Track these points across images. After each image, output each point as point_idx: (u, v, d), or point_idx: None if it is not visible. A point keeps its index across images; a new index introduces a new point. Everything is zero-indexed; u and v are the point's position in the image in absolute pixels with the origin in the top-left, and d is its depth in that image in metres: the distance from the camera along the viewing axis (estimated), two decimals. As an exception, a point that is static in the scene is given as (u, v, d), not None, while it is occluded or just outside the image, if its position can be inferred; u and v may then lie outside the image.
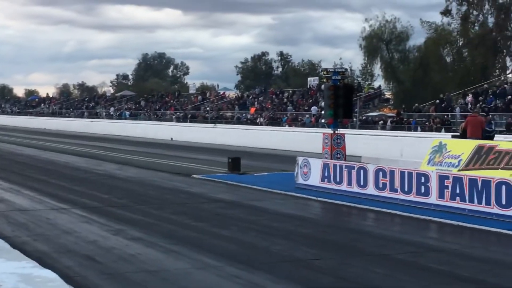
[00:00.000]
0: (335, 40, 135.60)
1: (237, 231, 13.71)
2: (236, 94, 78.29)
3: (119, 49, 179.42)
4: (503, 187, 14.34)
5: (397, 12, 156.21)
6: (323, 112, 23.54)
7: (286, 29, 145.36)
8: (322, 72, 23.81)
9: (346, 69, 65.84)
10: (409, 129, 45.58)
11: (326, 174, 19.35)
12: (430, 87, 65.26)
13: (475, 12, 71.38)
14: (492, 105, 45.31)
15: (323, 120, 25.00)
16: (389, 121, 47.97)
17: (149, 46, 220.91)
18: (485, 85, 52.94)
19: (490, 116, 40.84)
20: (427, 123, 45.89)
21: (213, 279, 9.74)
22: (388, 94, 69.93)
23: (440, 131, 41.54)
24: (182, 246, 12.00)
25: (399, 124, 46.81)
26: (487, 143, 16.76)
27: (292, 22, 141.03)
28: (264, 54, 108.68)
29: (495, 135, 29.96)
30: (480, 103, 45.83)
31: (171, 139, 51.60)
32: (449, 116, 45.33)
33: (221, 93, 77.44)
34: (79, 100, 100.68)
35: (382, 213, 16.04)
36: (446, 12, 71.96)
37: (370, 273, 10.09)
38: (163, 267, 10.39)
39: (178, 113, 65.86)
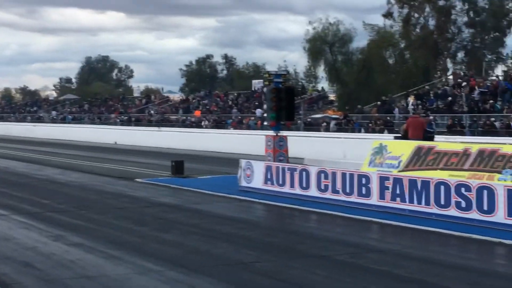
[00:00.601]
0: (279, 42, 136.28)
1: (179, 234, 13.65)
2: (181, 97, 78.04)
3: (62, 53, 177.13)
4: (442, 187, 14.56)
5: (341, 15, 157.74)
6: (265, 115, 23.55)
7: (231, 31, 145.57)
8: (264, 74, 23.86)
9: (288, 72, 66.10)
10: (352, 131, 45.94)
11: (269, 177, 19.39)
12: (373, 89, 65.83)
13: (416, 15, 72.34)
14: (433, 106, 45.93)
15: (265, 123, 25.05)
16: (332, 123, 48.28)
17: (92, 49, 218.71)
18: (427, 87, 53.69)
19: (432, 117, 41.41)
20: (370, 124, 46.30)
21: (153, 284, 9.68)
22: (332, 96, 70.38)
23: (383, 133, 41.96)
24: (123, 251, 11.89)
25: (345, 126, 47.19)
26: (426, 144, 16.99)
27: (237, 24, 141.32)
28: (208, 57, 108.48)
29: (436, 136, 30.42)
30: (424, 104, 46.39)
31: (115, 143, 51.16)
32: (391, 118, 45.81)
33: (166, 96, 77.21)
34: (21, 104, 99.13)
35: (324, 214, 16.14)
36: (388, 15, 72.78)
37: (310, 275, 10.13)
38: (103, 273, 10.29)
39: (122, 117, 65.35)
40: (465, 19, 71.72)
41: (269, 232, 14.34)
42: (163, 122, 57.48)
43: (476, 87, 46.06)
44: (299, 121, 50.90)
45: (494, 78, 48.04)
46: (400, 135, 25.50)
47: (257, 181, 19.71)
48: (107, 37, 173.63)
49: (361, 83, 70.24)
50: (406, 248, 12.40)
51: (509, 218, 13.35)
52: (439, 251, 12.29)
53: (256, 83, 63.87)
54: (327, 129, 47.62)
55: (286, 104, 21.55)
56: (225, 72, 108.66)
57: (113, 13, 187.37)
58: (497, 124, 38.46)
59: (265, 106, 23.23)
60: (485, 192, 13.80)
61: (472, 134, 38.82)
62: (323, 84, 76.15)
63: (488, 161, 14.59)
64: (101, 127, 61.36)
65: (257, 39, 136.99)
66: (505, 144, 18.36)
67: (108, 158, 34.67)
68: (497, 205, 13.57)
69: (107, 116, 69.21)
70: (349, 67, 73.58)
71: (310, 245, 12.55)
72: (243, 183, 20.22)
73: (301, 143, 33.71)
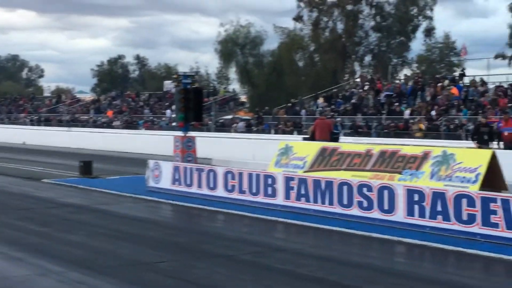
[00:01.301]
0: (191, 44, 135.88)
1: (84, 235, 13.40)
2: (92, 97, 76.96)
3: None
4: (345, 187, 14.78)
5: (252, 17, 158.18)
6: (173, 115, 23.53)
7: (143, 32, 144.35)
8: (173, 75, 23.78)
9: (196, 73, 65.77)
10: (263, 132, 46.16)
11: (176, 177, 19.31)
12: (283, 91, 66.43)
13: (325, 19, 73.31)
14: (341, 108, 46.57)
15: (174, 124, 24.99)
16: (241, 124, 48.52)
17: (2, 48, 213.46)
18: (335, 89, 54.43)
19: (340, 118, 41.99)
20: (279, 126, 46.62)
21: (55, 285, 9.49)
22: (243, 98, 70.62)
23: (292, 134, 42.32)
24: (26, 252, 11.61)
25: (256, 127, 47.44)
26: (330, 145, 17.21)
27: (149, 25, 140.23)
28: (120, 57, 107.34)
29: (342, 137, 30.85)
30: (332, 106, 46.95)
31: (24, 143, 50.07)
32: (300, 119, 46.26)
33: (77, 96, 76.02)
34: None
35: (231, 214, 16.15)
36: (298, 18, 73.53)
37: (214, 274, 10.11)
38: (3, 275, 10.02)
39: (32, 117, 64.03)
40: (372, 23, 73.06)
41: (175, 232, 14.25)
42: (73, 122, 56.60)
43: (382, 90, 46.98)
44: (210, 122, 50.92)
45: (397, 81, 49.13)
46: (308, 136, 25.83)
47: (165, 182, 19.60)
48: (17, 36, 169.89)
49: (272, 85, 70.73)
50: (309, 247, 12.53)
51: (408, 217, 13.65)
52: (342, 250, 12.47)
53: (168, 84, 63.49)
54: (238, 130, 47.75)
55: (194, 105, 21.52)
56: (137, 72, 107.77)
57: (23, 11, 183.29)
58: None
59: (173, 107, 23.15)
60: (386, 192, 14.08)
61: (378, 135, 39.56)
62: (235, 85, 76.38)
63: (389, 162, 14.88)
64: (10, 127, 59.96)
65: (170, 40, 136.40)
66: (406, 145, 18.69)
67: (16, 158, 33.83)
68: (397, 205, 13.86)
69: (16, 116, 67.66)
70: (260, 69, 73.97)
71: (215, 244, 12.52)
72: (151, 184, 20.07)
73: (211, 144, 33.65)
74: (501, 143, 23.43)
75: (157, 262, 10.90)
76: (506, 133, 22.81)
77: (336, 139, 25.54)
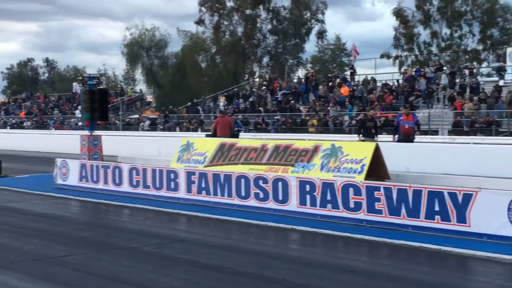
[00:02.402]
0: (99, 47, 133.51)
1: (-9, 233, 12.99)
2: (2, 100, 74.90)
3: None
4: (242, 180, 14.85)
5: (157, 22, 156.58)
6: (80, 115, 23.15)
7: (52, 36, 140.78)
8: (78, 77, 23.41)
9: (104, 75, 64.70)
10: (168, 130, 45.96)
11: (84, 174, 18.97)
12: (187, 91, 66.29)
13: (225, 22, 73.52)
14: (242, 106, 46.77)
15: (80, 123, 24.59)
16: (147, 122, 48.24)
17: None
18: (236, 89, 54.64)
19: (241, 116, 42.15)
20: (184, 124, 46.48)
21: (-40, 282, 9.16)
22: (149, 98, 70.12)
23: (196, 131, 42.25)
24: None
25: (161, 125, 47.22)
26: (228, 141, 17.22)
27: (58, 30, 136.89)
28: (30, 60, 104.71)
29: (243, 133, 31.01)
30: (233, 105, 47.12)
31: None
32: (204, 117, 46.28)
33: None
34: None
35: (136, 209, 15.97)
36: (200, 22, 73.53)
37: (117, 266, 9.96)
38: None
39: None
40: (269, 27, 73.72)
41: (82, 227, 13.94)
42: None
43: (279, 89, 47.41)
44: (118, 121, 50.30)
45: (294, 81, 49.71)
46: (211, 133, 25.85)
47: (73, 179, 19.24)
48: None
49: (176, 86, 70.56)
50: (209, 237, 12.50)
51: (301, 206, 13.82)
52: (240, 239, 12.51)
53: (76, 86, 62.38)
54: (144, 128, 47.41)
55: (99, 105, 21.22)
56: (46, 75, 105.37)
57: None
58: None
59: (80, 107, 22.78)
60: (280, 183, 14.22)
61: (276, 131, 39.94)
62: (141, 86, 75.71)
63: (283, 155, 15.00)
64: None
65: (78, 44, 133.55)
66: (304, 140, 18.94)
67: None
68: (290, 195, 14.01)
69: None
70: (165, 71, 73.63)
71: (120, 238, 12.36)
72: (59, 181, 19.66)
73: (119, 142, 33.34)
74: (396, 136, 24.04)
75: (63, 256, 10.66)
76: (406, 126, 23.42)
77: (236, 135, 25.66)
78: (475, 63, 58.34)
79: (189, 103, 51.67)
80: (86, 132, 21.92)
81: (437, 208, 11.71)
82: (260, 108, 44.72)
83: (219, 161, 16.00)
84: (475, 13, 67.02)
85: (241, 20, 72.83)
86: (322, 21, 74.05)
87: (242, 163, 15.52)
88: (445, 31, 67.88)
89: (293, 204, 13.95)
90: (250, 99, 47.31)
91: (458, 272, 9.81)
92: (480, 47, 66.71)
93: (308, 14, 73.63)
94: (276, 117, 41.79)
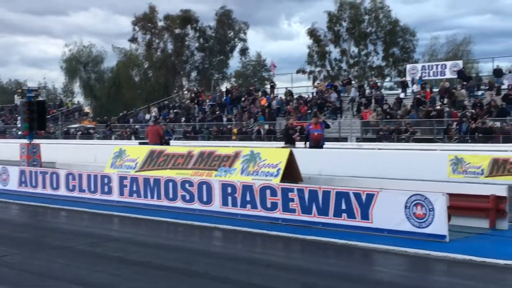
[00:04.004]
0: (40, 62, 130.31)
1: None
2: None
3: None
4: (170, 183, 14.73)
5: (93, 39, 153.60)
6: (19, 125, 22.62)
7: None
8: (18, 90, 22.91)
9: (44, 87, 63.22)
10: (104, 138, 45.31)
11: (23, 180, 18.46)
12: (122, 102, 65.67)
13: (157, 40, 73.08)
14: (172, 116, 46.50)
15: (20, 132, 24.03)
16: (84, 131, 47.52)
17: None
18: (166, 101, 54.32)
19: (172, 125, 41.87)
20: (119, 133, 45.95)
21: None
22: (87, 109, 69.11)
23: (130, 139, 41.78)
24: None
25: (98, 134, 46.52)
26: (157, 148, 17.07)
27: (1, 46, 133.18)
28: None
29: (173, 141, 30.79)
30: (164, 115, 46.80)
31: None
32: (140, 126, 45.82)
33: None
34: None
35: (72, 211, 15.61)
36: (133, 40, 72.94)
37: (52, 264, 9.71)
38: None
39: None
40: (197, 44, 73.63)
41: (20, 228, 13.57)
42: None
43: (206, 100, 47.36)
44: (57, 131, 49.32)
45: (218, 94, 49.72)
46: (146, 141, 25.66)
47: (13, 184, 18.70)
48: None
49: (112, 98, 69.81)
50: (139, 236, 12.33)
51: (223, 207, 13.79)
52: (167, 237, 12.40)
53: (17, 98, 61.00)
54: (82, 137, 46.66)
55: (38, 115, 20.78)
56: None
57: None
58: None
59: (19, 118, 22.25)
60: (205, 186, 14.16)
61: (204, 139, 39.84)
62: (79, 98, 74.51)
63: (207, 161, 14.93)
64: None
65: (20, 59, 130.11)
66: (223, 146, 18.95)
67: None
68: (214, 197, 13.97)
69: None
70: (101, 84, 72.74)
71: (56, 238, 12.06)
72: (0, 186, 19.09)
73: (58, 150, 32.67)
74: (307, 143, 24.28)
75: (1, 256, 10.33)
76: (316, 134, 23.70)
77: (167, 143, 25.49)
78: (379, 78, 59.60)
79: (121, 114, 51.16)
80: (26, 141, 21.39)
81: (343, 206, 11.86)
82: (189, 118, 44.59)
83: (149, 167, 15.82)
84: (379, 34, 68.58)
85: (171, 38, 72.54)
86: (245, 40, 74.52)
87: (170, 168, 15.39)
88: (353, 49, 69.17)
89: (216, 205, 13.91)
90: (179, 110, 47.11)
91: (362, 263, 9.95)
92: (384, 64, 68.20)
93: (232, 33, 73.94)
94: (203, 126, 41.71)
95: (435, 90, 38.03)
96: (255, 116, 40.65)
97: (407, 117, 34.60)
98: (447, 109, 34.35)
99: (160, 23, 72.24)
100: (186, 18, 71.59)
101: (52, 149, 30.81)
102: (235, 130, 38.79)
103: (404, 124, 33.91)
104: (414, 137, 32.69)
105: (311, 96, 43.37)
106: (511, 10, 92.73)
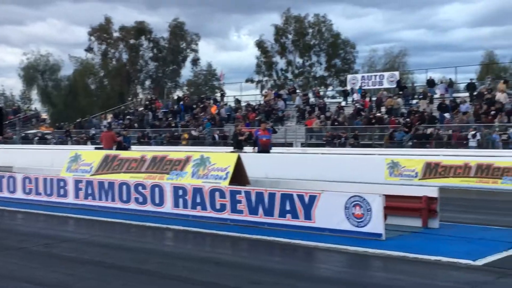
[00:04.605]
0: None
1: None
2: None
3: None
4: (124, 186, 14.58)
5: (51, 48, 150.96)
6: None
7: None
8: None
9: (2, 95, 61.61)
10: (61, 143, 44.57)
11: (-20, 184, 17.98)
12: (78, 109, 64.77)
13: (112, 50, 72.30)
14: (127, 123, 46.02)
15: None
16: (42, 136, 46.67)
17: None
18: (122, 107, 53.79)
19: (126, 131, 41.38)
20: (75, 138, 45.26)
21: None
22: (44, 115, 67.89)
23: (86, 144, 41.20)
24: None
25: (55, 139, 45.77)
26: (112, 152, 16.84)
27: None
28: None
29: (131, 146, 30.47)
30: (119, 122, 46.26)
31: None
32: (96, 132, 45.23)
33: None
34: None
35: (28, 213, 15.29)
36: (89, 49, 72.03)
37: (8, 264, 9.47)
38: None
39: None
40: (151, 54, 73.14)
41: (-23, 231, 13.23)
42: None
43: (159, 108, 47.04)
44: (15, 136, 48.31)
45: (170, 102, 49.50)
46: (101, 146, 25.33)
47: (-30, 188, 18.18)
48: None
49: (69, 105, 68.77)
50: (93, 237, 12.15)
51: (175, 208, 13.73)
52: (120, 237, 12.22)
53: (-22, 104, 59.59)
54: (40, 143, 45.84)
55: (-4, 121, 20.34)
56: None
57: None
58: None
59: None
60: (157, 189, 14.06)
61: (157, 144, 39.56)
62: (37, 105, 73.12)
63: (160, 165, 14.81)
64: None
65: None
66: (174, 151, 18.84)
67: None
68: (166, 199, 13.89)
69: None
70: (58, 91, 71.59)
71: (12, 239, 11.77)
72: (-42, 190, 18.53)
73: (16, 154, 32.01)
74: (256, 148, 24.36)
75: (-43, 258, 10.05)
76: (264, 139, 23.80)
77: (126, 149, 25.21)
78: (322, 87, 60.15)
79: (77, 120, 50.51)
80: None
81: (288, 207, 11.92)
82: (144, 124, 44.20)
83: (104, 170, 15.61)
84: (322, 46, 69.40)
85: (126, 48, 71.89)
86: (196, 50, 74.33)
87: (124, 172, 15.21)
88: (298, 60, 69.76)
89: (168, 207, 13.83)
90: (133, 117, 46.67)
91: (304, 261, 10.01)
92: (326, 74, 68.94)
93: (184, 44, 73.69)
94: (158, 132, 41.41)
95: (374, 98, 38.57)
96: (202, 123, 40.59)
97: (354, 123, 34.96)
98: (386, 116, 34.89)
99: (116, 34, 71.57)
100: (141, 30, 71.09)
101: (10, 154, 30.22)
102: (185, 135, 38.68)
103: (346, 130, 34.29)
104: (355, 142, 33.09)
105: (259, 104, 43.47)
106: (443, 25, 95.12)
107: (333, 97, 52.27)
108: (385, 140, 32.22)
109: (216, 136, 37.73)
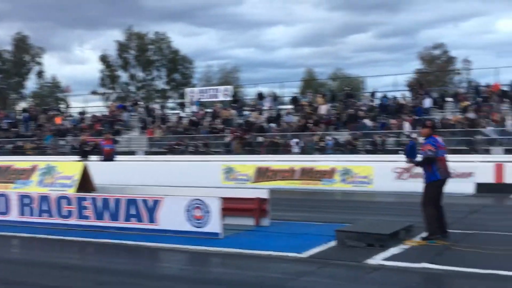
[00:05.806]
0: None
1: None
2: None
3: None
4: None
5: None
6: None
7: None
8: None
9: None
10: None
11: None
12: None
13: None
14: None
15: None
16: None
17: None
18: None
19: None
20: None
21: None
22: None
23: None
24: None
25: None
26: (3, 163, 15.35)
27: None
28: None
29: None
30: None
31: None
32: None
33: None
34: None
35: None
36: None
37: None
38: None
39: None
40: (-7, 67, 68.76)
41: None
42: None
43: (2, 118, 44.25)
44: None
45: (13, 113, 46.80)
46: None
47: None
48: None
49: None
50: None
51: (21, 216, 12.99)
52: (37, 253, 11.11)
53: None
54: None
55: None
56: None
57: None
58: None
59: None
60: (3, 198, 13.22)
61: (1, 154, 37.14)
62: None
63: (6, 174, 13.89)
64: None
65: None
66: (24, 161, 17.83)
67: None
68: (12, 207, 13.09)
69: None
70: None
71: None
72: None
73: None
74: (102, 157, 23.77)
75: None
76: (107, 148, 23.24)
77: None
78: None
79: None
80: None
81: (133, 212, 11.74)
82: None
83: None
84: (163, 61, 69.20)
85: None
86: (40, 63, 71.02)
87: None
88: (140, 74, 68.99)
89: (14, 215, 13.04)
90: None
91: (149, 261, 9.89)
92: (167, 87, 68.81)
93: (29, 57, 70.14)
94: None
95: (209, 110, 39.01)
96: (47, 134, 38.83)
97: (201, 132, 34.96)
98: (221, 126, 35.43)
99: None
100: (-16, 42, 66.61)
101: None
102: (27, 146, 36.88)
103: (185, 139, 34.37)
104: (194, 150, 33.28)
105: (103, 115, 42.32)
106: (269, 45, 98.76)
107: (173, 108, 52.22)
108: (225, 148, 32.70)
109: (63, 146, 36.19)
